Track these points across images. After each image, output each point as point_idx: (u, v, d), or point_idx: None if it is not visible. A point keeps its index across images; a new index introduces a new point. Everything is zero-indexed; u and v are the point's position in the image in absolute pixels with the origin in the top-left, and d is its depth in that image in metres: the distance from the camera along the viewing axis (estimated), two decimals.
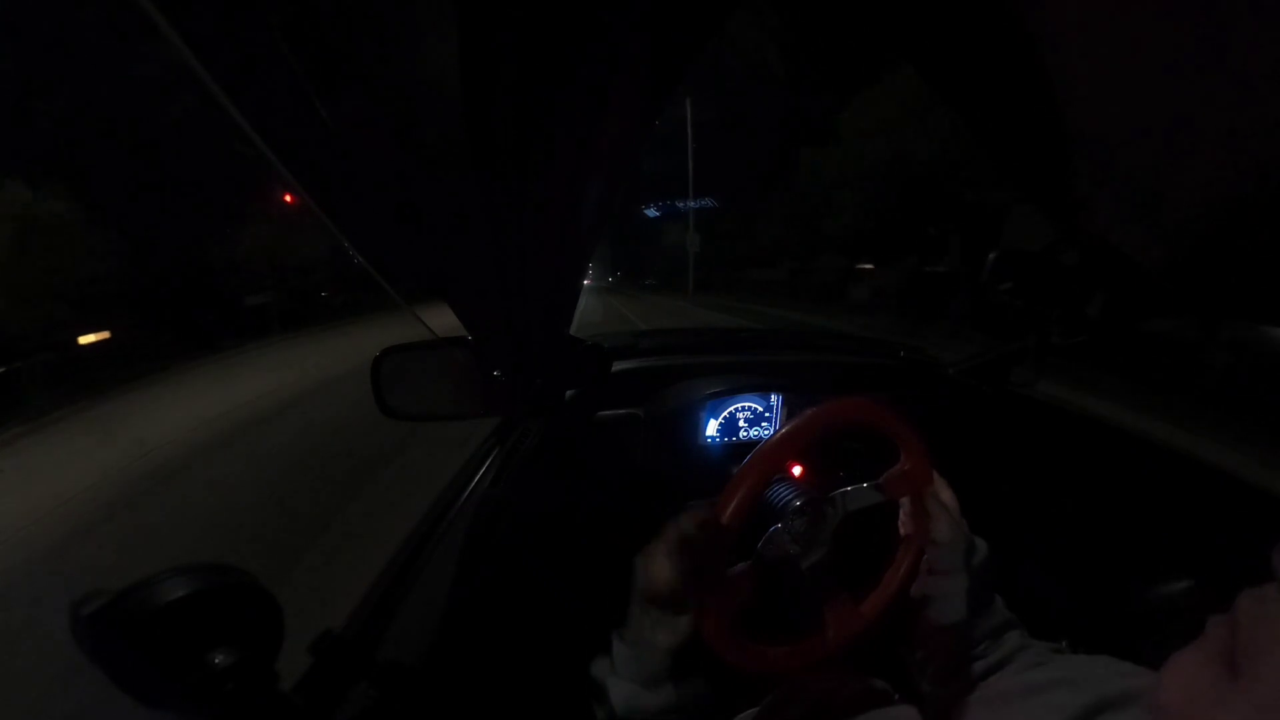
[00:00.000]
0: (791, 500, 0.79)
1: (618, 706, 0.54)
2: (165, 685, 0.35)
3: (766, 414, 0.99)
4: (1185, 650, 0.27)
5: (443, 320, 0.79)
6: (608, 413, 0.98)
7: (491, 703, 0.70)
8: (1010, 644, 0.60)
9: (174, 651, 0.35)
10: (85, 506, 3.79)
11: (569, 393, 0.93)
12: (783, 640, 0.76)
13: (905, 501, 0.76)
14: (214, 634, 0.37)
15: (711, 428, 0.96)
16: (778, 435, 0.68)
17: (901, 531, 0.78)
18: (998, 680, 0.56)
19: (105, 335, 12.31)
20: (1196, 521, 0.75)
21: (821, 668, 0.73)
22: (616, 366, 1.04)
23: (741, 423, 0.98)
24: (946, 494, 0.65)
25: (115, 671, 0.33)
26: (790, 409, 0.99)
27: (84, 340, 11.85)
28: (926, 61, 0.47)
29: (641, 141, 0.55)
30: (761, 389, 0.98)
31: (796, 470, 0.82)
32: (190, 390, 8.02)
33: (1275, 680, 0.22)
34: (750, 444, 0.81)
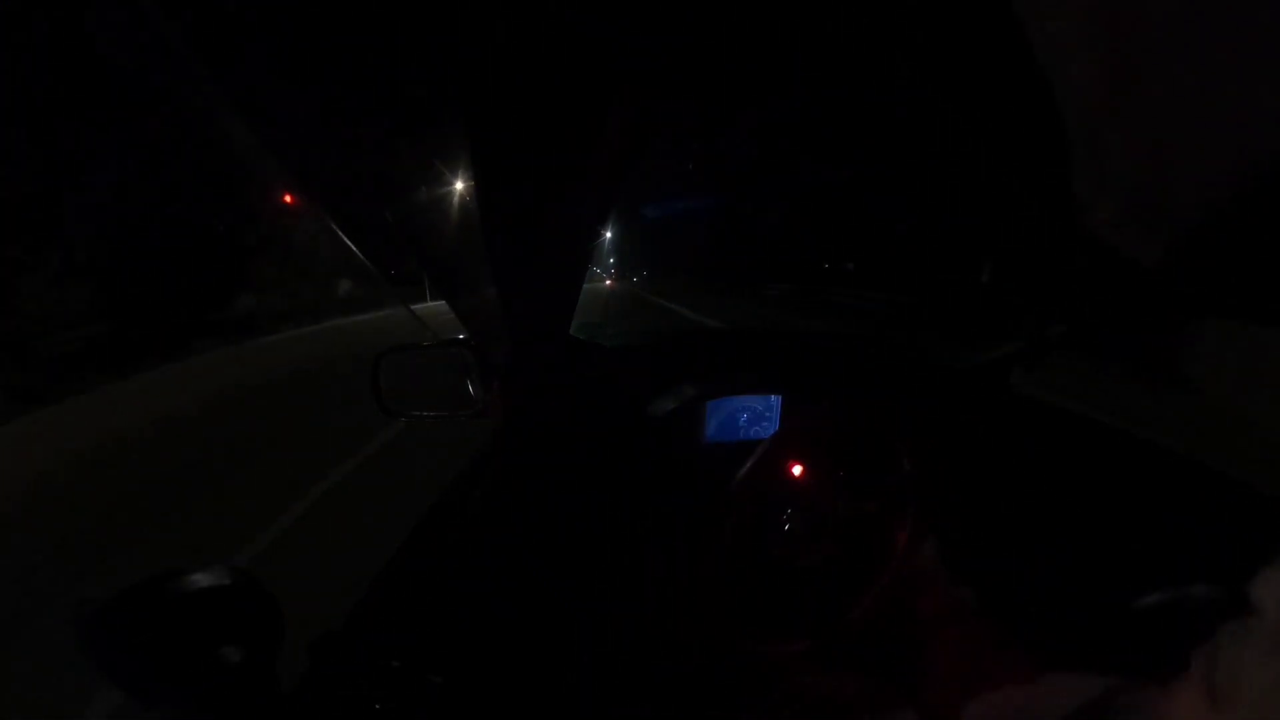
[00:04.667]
0: (791, 501, 0.79)
1: None
2: (166, 685, 0.35)
3: (766, 414, 0.99)
4: (1174, 681, 0.28)
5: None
6: (607, 413, 0.98)
7: (492, 701, 0.70)
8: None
9: (175, 652, 0.35)
10: None
11: (568, 393, 0.93)
12: (774, 635, 0.76)
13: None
14: (215, 634, 0.37)
15: (711, 428, 0.96)
16: (785, 429, 0.68)
17: (898, 535, 0.78)
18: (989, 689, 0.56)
19: None
20: (1198, 524, 0.75)
21: (817, 666, 0.73)
22: (616, 367, 1.04)
23: (741, 423, 0.98)
24: None
25: (117, 671, 0.33)
26: (790, 410, 0.99)
27: None
28: (931, 64, 0.47)
29: (643, 143, 0.55)
30: (761, 389, 0.98)
31: (796, 470, 0.82)
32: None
33: (1249, 709, 0.23)
34: (750, 444, 0.81)
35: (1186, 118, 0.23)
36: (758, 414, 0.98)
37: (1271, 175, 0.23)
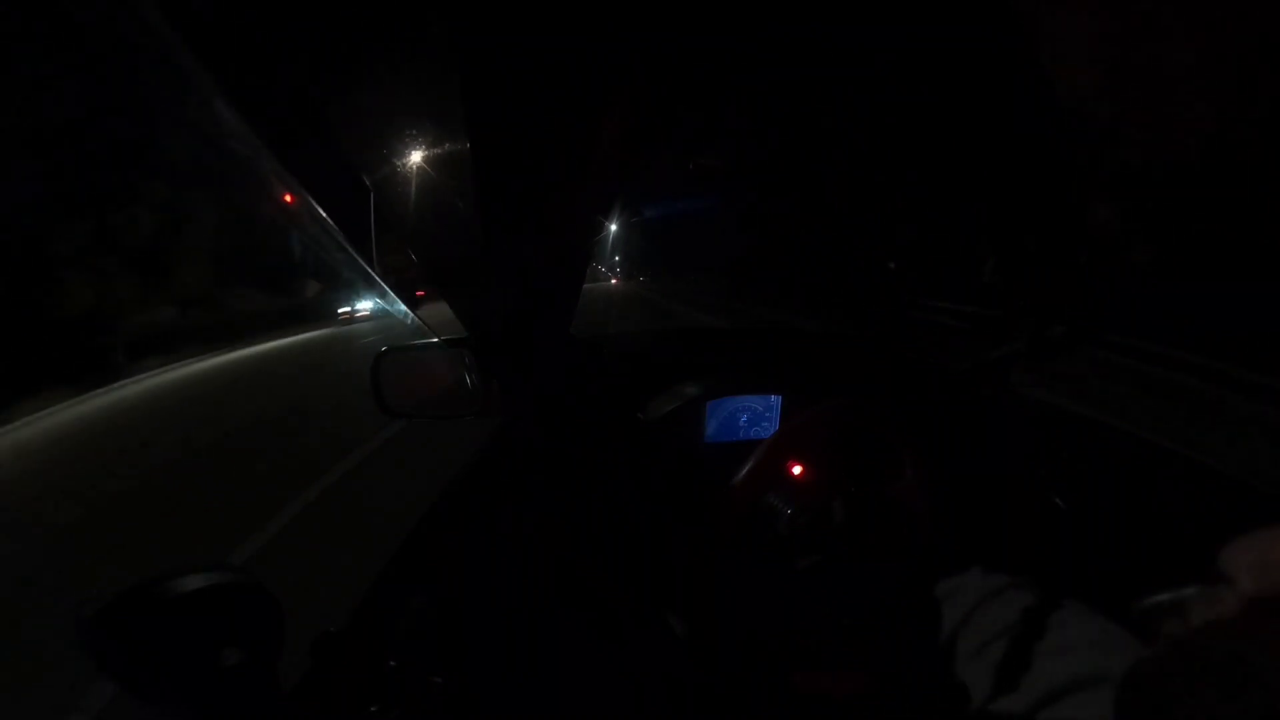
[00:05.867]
0: (791, 502, 0.79)
1: None
2: (167, 685, 0.35)
3: (766, 414, 0.98)
4: (1149, 650, 0.28)
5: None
6: (607, 413, 0.98)
7: (492, 701, 0.70)
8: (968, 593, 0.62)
9: (175, 652, 0.35)
10: None
11: (568, 393, 0.94)
12: (774, 636, 0.76)
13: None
14: (215, 635, 0.37)
15: (711, 428, 0.96)
16: (786, 429, 0.68)
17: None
18: (969, 643, 0.56)
19: None
20: (1198, 524, 0.74)
21: (817, 665, 0.73)
22: (616, 367, 1.04)
23: (741, 423, 0.98)
24: None
25: (117, 672, 0.33)
26: (790, 410, 0.99)
27: None
28: (930, 67, 0.47)
29: (641, 142, 0.55)
30: (761, 389, 0.98)
31: (797, 470, 0.82)
32: None
33: (1219, 674, 0.23)
34: (750, 444, 0.81)
35: (1187, 115, 0.23)
36: (758, 414, 0.98)
37: (1270, 172, 0.23)
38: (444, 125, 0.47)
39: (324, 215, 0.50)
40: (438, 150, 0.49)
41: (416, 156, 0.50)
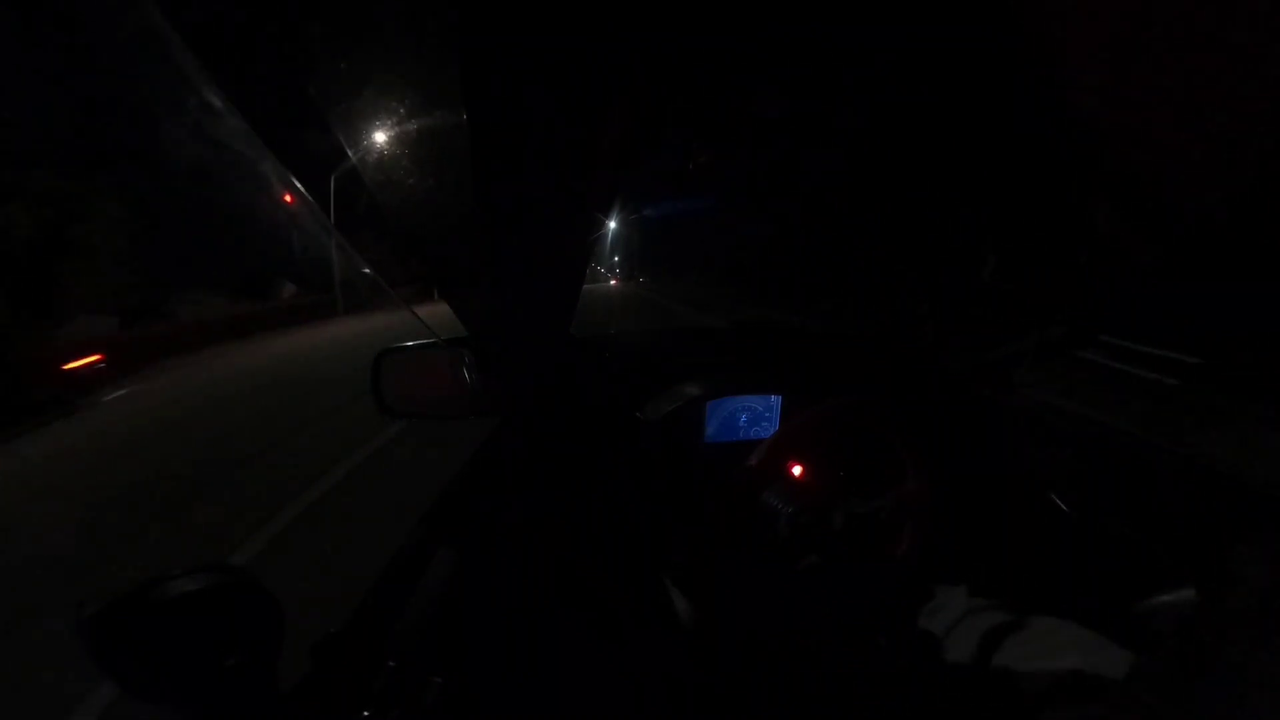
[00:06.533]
0: (791, 502, 0.79)
1: None
2: (167, 686, 0.35)
3: (766, 414, 0.98)
4: (1152, 654, 0.28)
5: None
6: (607, 413, 0.98)
7: (491, 701, 0.70)
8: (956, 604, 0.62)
9: (175, 653, 0.35)
10: None
11: (568, 393, 0.93)
12: (774, 634, 0.76)
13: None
14: (215, 635, 0.37)
15: (711, 428, 0.96)
16: (786, 428, 0.68)
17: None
18: (961, 645, 0.57)
19: None
20: (1199, 525, 0.74)
21: (817, 664, 0.73)
22: (616, 366, 1.04)
23: (741, 423, 0.98)
24: None
25: (118, 672, 0.33)
26: (790, 410, 0.99)
27: None
28: (929, 69, 0.47)
29: (641, 142, 0.55)
30: (761, 389, 0.98)
31: (796, 470, 0.82)
32: None
33: (1223, 682, 0.23)
34: (750, 444, 0.81)
35: (1185, 117, 0.23)
36: (758, 414, 0.98)
37: (1269, 174, 0.23)
38: (444, 125, 0.47)
39: (320, 213, 0.50)
40: (438, 150, 0.49)
41: (416, 156, 0.50)
